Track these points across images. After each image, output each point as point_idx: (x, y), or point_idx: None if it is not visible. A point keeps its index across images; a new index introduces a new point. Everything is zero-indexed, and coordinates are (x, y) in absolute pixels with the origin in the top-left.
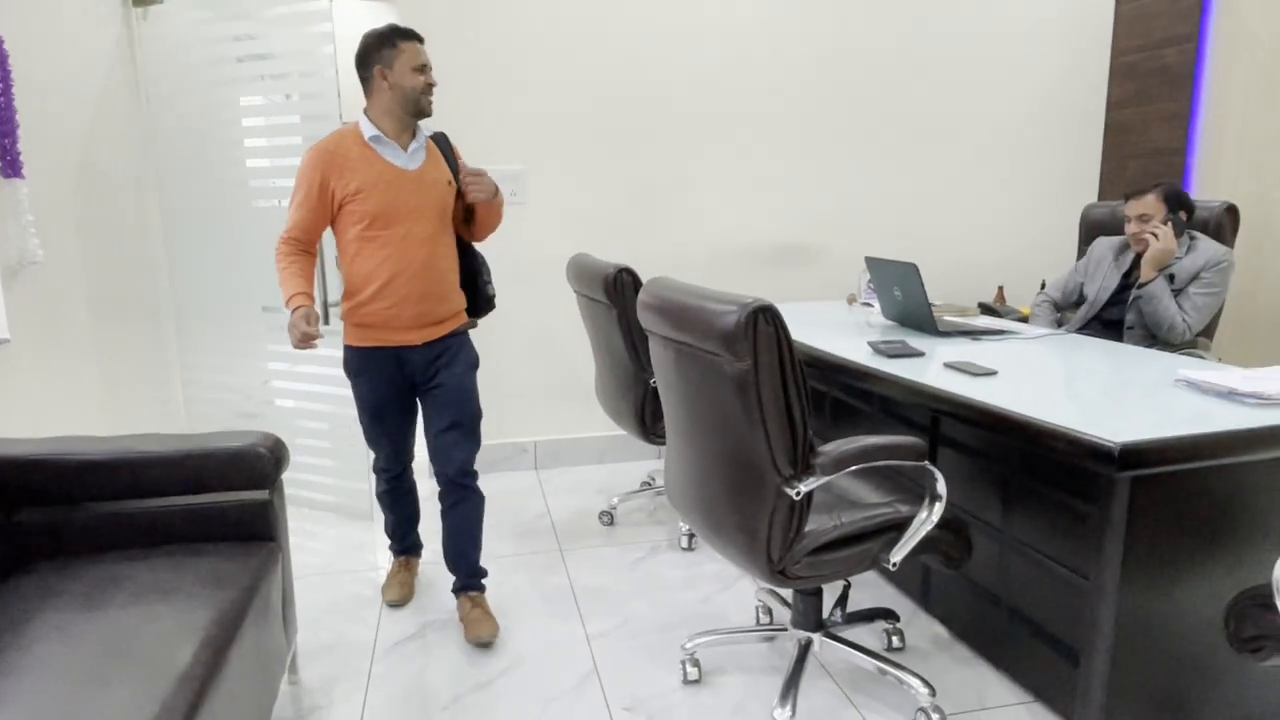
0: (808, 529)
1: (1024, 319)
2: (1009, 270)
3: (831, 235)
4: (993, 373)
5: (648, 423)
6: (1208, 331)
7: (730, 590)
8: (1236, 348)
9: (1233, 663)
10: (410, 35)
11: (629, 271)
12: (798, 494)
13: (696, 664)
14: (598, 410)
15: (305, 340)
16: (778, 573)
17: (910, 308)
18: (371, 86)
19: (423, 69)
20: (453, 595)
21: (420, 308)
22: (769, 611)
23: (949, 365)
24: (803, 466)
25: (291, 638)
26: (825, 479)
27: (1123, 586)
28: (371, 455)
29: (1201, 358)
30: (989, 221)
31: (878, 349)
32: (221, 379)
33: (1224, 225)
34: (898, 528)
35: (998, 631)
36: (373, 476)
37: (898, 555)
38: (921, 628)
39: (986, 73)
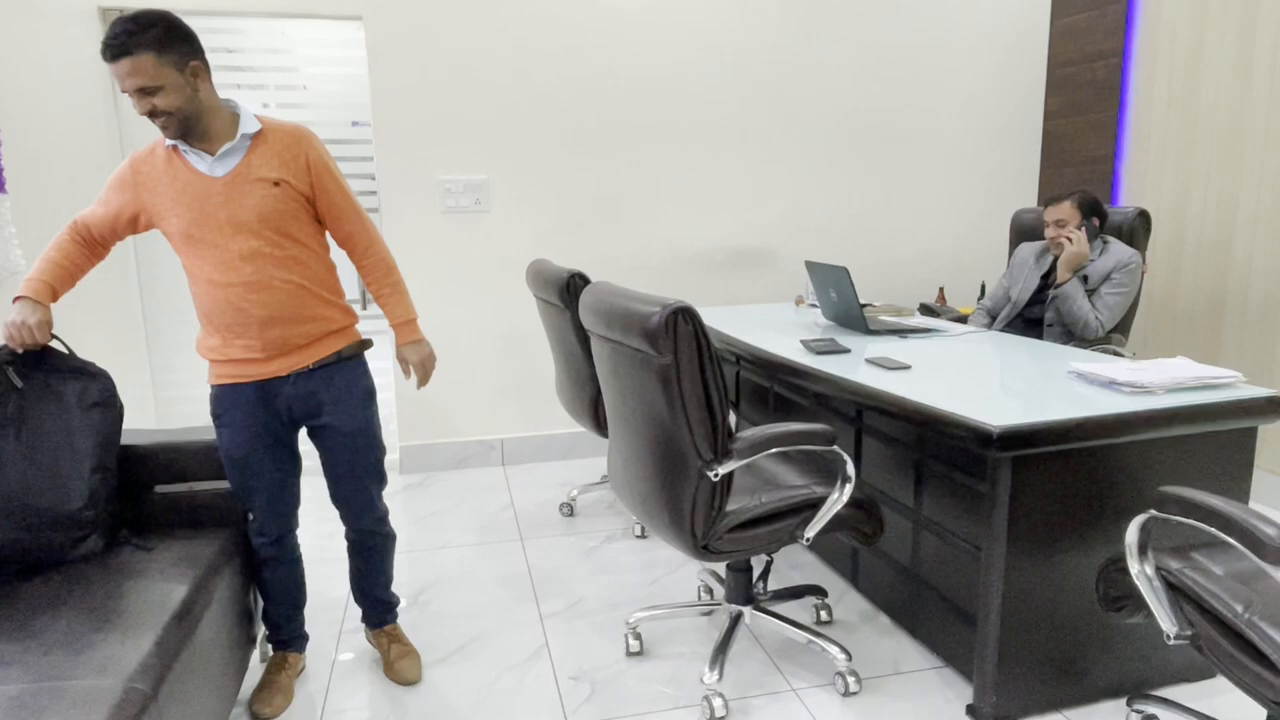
0: (730, 508)
1: (963, 318)
2: (951, 272)
3: (783, 240)
4: (906, 367)
5: (601, 419)
6: (1123, 328)
7: (677, 573)
8: (1157, 343)
9: (1112, 624)
10: (105, 51)
11: (581, 276)
12: (716, 476)
13: (639, 637)
14: (562, 408)
15: (15, 337)
16: (702, 548)
17: (844, 308)
18: None
19: (136, 93)
20: (365, 628)
21: (267, 335)
22: (709, 590)
23: (869, 361)
24: (721, 451)
25: (259, 617)
26: (742, 462)
27: (1009, 556)
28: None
29: (1118, 353)
30: (932, 226)
31: (809, 346)
32: (196, 378)
33: (1137, 229)
34: (813, 507)
35: (912, 603)
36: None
37: (811, 531)
38: (851, 603)
39: (932, 84)
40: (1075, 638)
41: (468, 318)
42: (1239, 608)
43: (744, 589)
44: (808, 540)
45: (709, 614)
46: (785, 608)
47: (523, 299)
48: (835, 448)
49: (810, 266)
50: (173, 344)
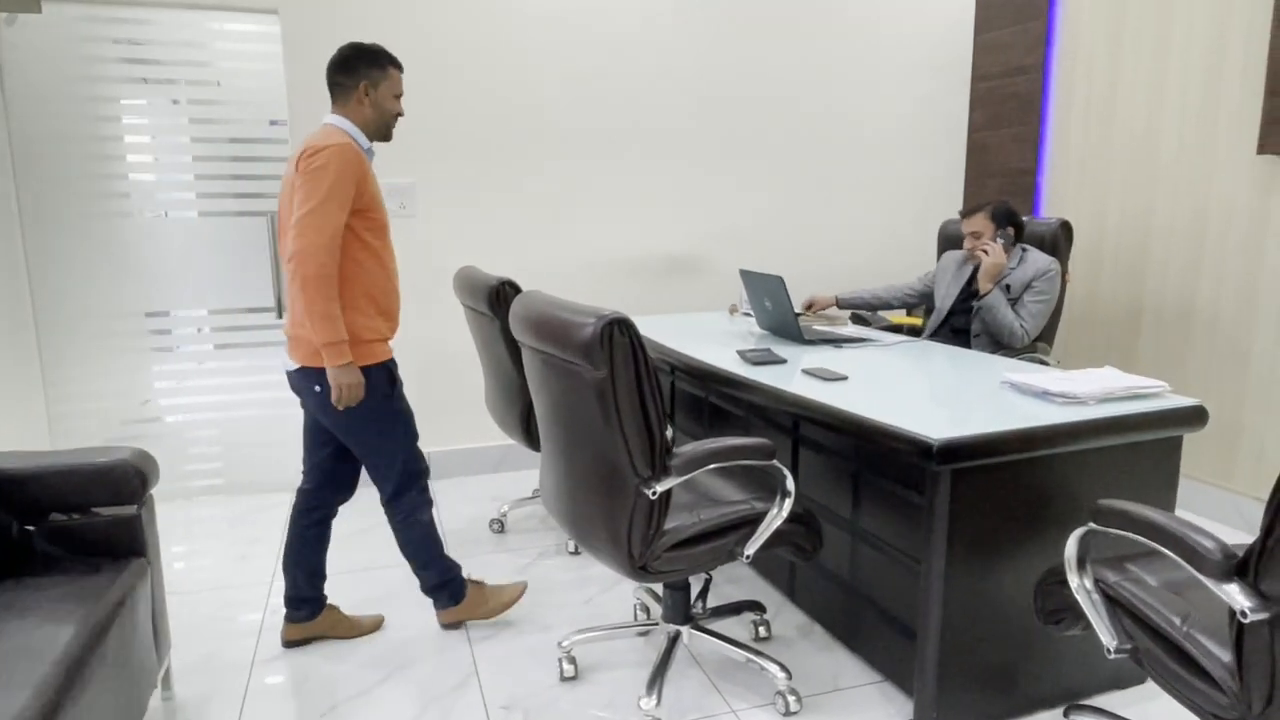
0: (669, 526)
1: (895, 327)
2: (882, 280)
3: (715, 248)
4: (844, 378)
5: (532, 432)
6: (1047, 336)
7: (612, 591)
8: (1078, 350)
9: (1050, 635)
10: (398, 64)
11: (511, 284)
12: (654, 494)
13: (573, 661)
14: (491, 421)
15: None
16: (640, 568)
17: (779, 318)
18: (349, 96)
19: (399, 97)
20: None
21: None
22: (646, 609)
23: (806, 371)
24: (659, 468)
25: (164, 654)
26: (680, 479)
27: (949, 569)
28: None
29: (1043, 361)
30: (863, 234)
31: (745, 357)
32: (96, 390)
33: (1059, 239)
34: (752, 523)
35: (851, 617)
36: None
37: (750, 549)
38: (788, 618)
39: (860, 96)
40: (1013, 649)
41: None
42: (1177, 620)
43: (682, 608)
44: (748, 558)
45: (645, 634)
46: (724, 625)
47: (450, 307)
48: (775, 462)
49: (745, 275)
50: (71, 354)
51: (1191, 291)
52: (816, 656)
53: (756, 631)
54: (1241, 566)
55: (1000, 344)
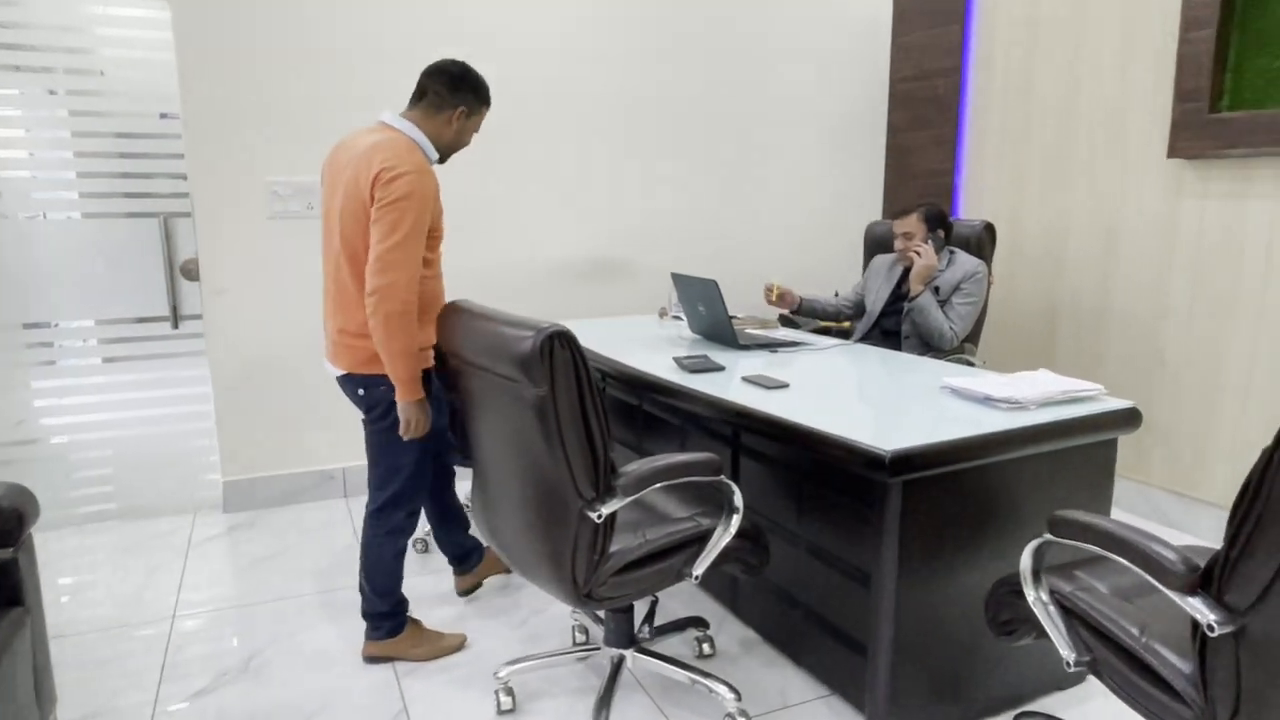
0: (613, 549)
1: (824, 330)
2: (808, 282)
3: (643, 250)
4: (785, 385)
5: (458, 440)
6: (973, 337)
7: (546, 614)
8: (997, 352)
9: (998, 644)
10: (490, 103)
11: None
12: (600, 517)
13: (510, 692)
14: None
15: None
16: (585, 596)
17: (713, 322)
18: (439, 110)
19: (475, 134)
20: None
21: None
22: (584, 631)
23: (746, 379)
24: (604, 488)
25: (48, 712)
26: (627, 500)
27: (900, 582)
28: None
29: (970, 362)
30: (788, 236)
31: (682, 364)
32: None
33: (984, 241)
34: (700, 540)
35: (797, 631)
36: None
37: (699, 568)
38: (731, 632)
39: (784, 97)
40: (960, 657)
41: (298, 334)
42: (1135, 630)
43: (625, 631)
44: (697, 578)
45: (585, 659)
46: (666, 644)
47: None
48: (723, 477)
49: (677, 279)
50: None
51: (1106, 292)
52: (762, 672)
53: (700, 649)
54: (1204, 578)
55: (929, 345)
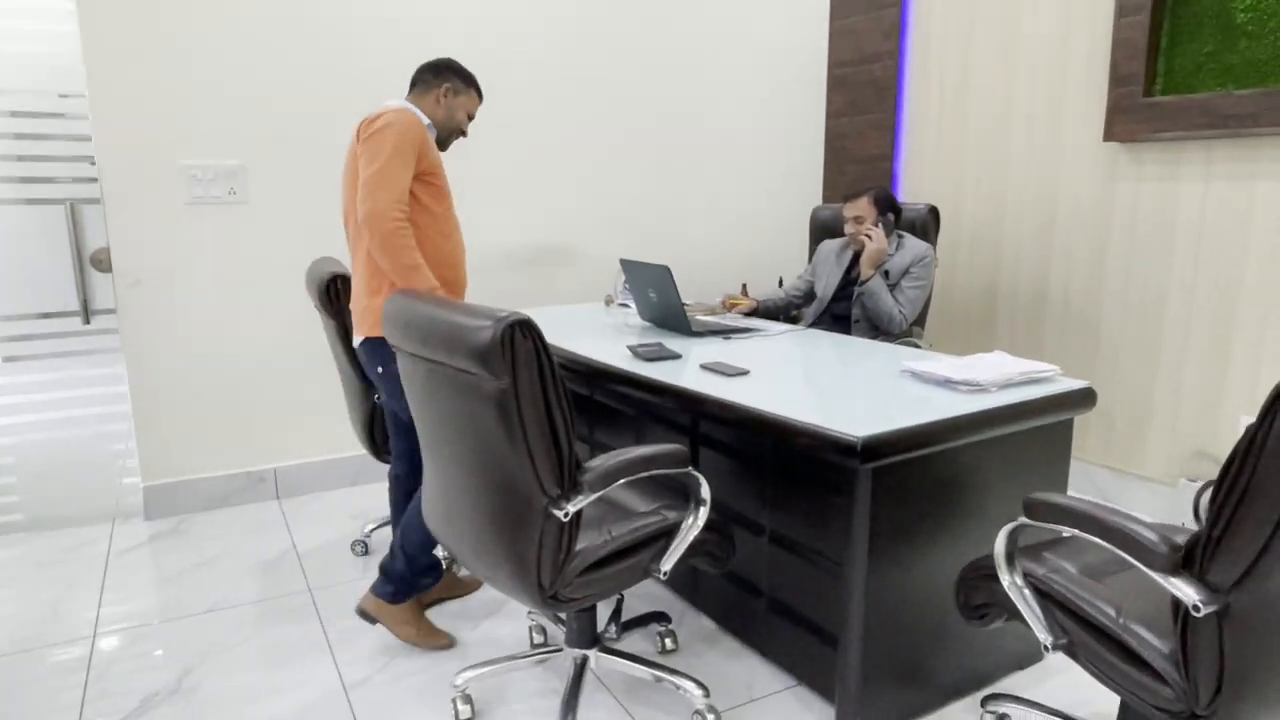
0: (579, 548)
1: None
2: (751, 267)
3: (585, 236)
4: (745, 372)
5: (378, 441)
6: (920, 321)
7: (501, 614)
8: (939, 334)
9: (961, 626)
10: (481, 93)
11: (344, 278)
12: (566, 515)
13: (469, 700)
14: (346, 428)
15: None
16: (550, 598)
17: (665, 309)
18: (428, 91)
19: (471, 118)
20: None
21: None
22: (543, 631)
23: (705, 367)
24: (569, 485)
25: None
26: (594, 496)
27: (870, 569)
28: None
29: (917, 345)
30: (731, 222)
31: (636, 353)
32: None
33: (928, 225)
34: (666, 535)
35: (761, 622)
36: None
37: (668, 564)
38: (693, 625)
39: (723, 82)
40: (928, 642)
41: (223, 326)
42: (1111, 611)
43: (588, 630)
44: (665, 574)
45: (545, 661)
46: (629, 640)
47: (291, 304)
48: (690, 469)
49: (626, 265)
50: None
51: (1044, 273)
52: (727, 665)
53: (662, 644)
54: (1186, 558)
55: (879, 329)
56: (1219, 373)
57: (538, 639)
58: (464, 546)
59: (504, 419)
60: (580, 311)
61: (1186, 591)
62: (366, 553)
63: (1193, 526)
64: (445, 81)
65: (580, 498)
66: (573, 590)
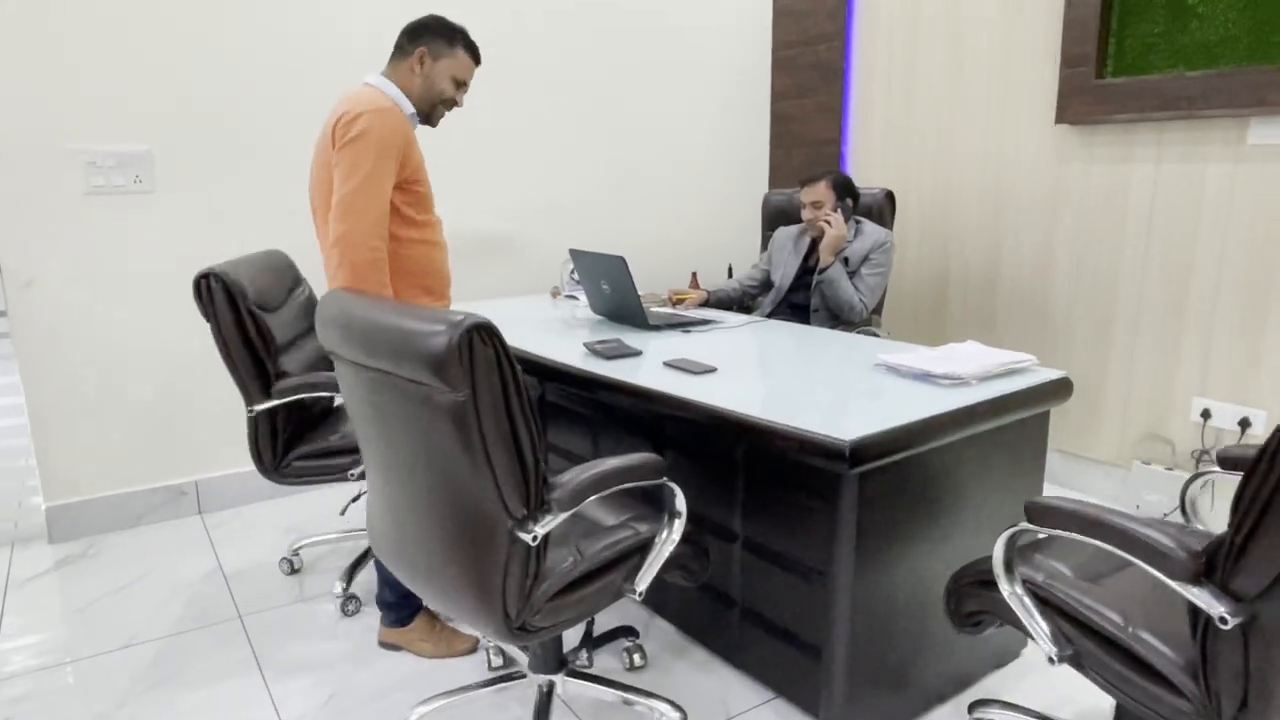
0: (547, 571)
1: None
2: (700, 256)
3: (526, 227)
4: (713, 370)
5: (264, 457)
6: (878, 309)
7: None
8: (892, 319)
9: (943, 628)
10: (474, 51)
11: (217, 277)
12: (535, 539)
13: None
14: None
15: None
16: (518, 629)
17: (620, 302)
18: (403, 60)
19: (461, 85)
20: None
21: None
22: (500, 653)
23: (669, 365)
24: (537, 504)
25: None
26: (564, 515)
27: (856, 577)
28: None
29: (876, 334)
30: (678, 210)
31: (594, 350)
32: None
33: (885, 209)
34: (640, 551)
35: (735, 632)
36: None
37: (643, 583)
38: (659, 636)
39: (668, 66)
40: (911, 647)
41: (132, 327)
42: (1118, 619)
43: (554, 654)
44: (640, 594)
45: (507, 690)
46: (596, 659)
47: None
48: (666, 480)
49: (577, 256)
50: None
51: (995, 256)
52: (699, 679)
53: (630, 660)
54: (1208, 565)
55: (839, 318)
56: (1171, 355)
57: (496, 661)
58: (417, 576)
59: (462, 434)
60: (525, 305)
61: (1211, 603)
62: (294, 571)
63: (1178, 519)
64: (421, 44)
65: (549, 518)
66: (541, 619)
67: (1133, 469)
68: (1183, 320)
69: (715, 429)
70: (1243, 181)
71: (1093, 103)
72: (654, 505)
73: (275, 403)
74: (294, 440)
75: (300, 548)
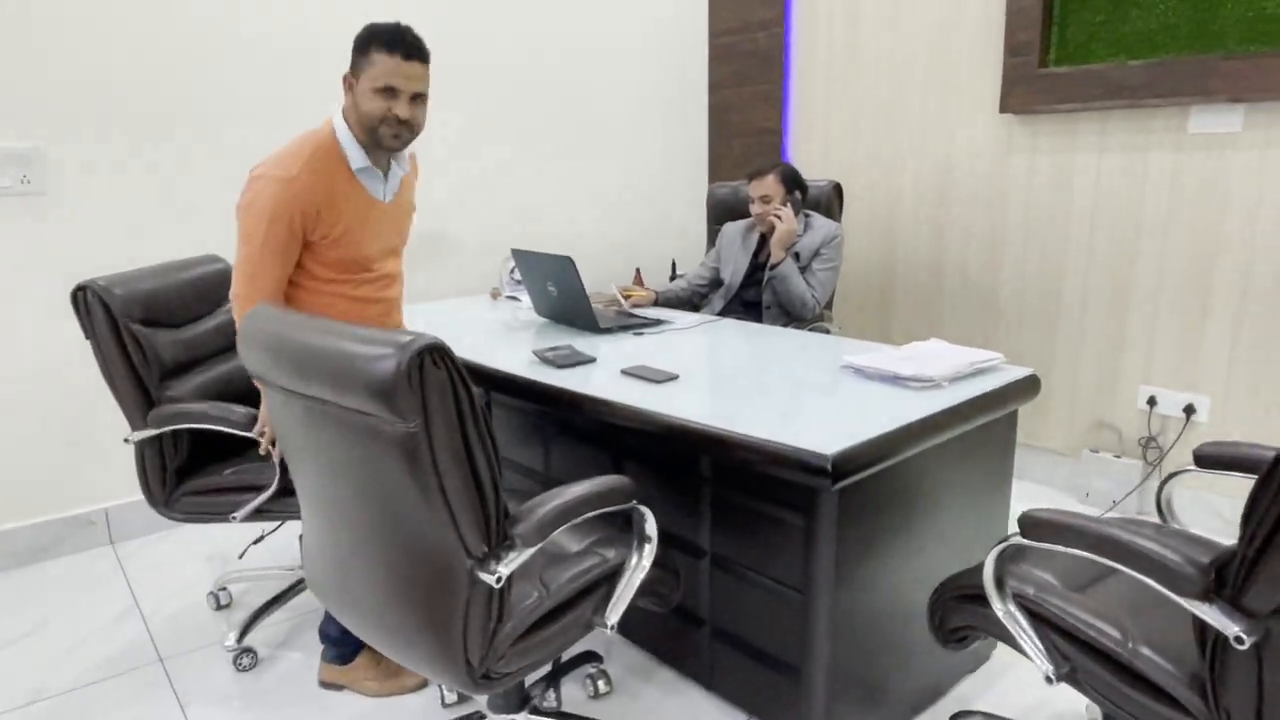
0: (510, 611)
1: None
2: (643, 252)
3: (462, 224)
4: (674, 377)
5: (153, 488)
6: (829, 304)
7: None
8: (837, 316)
9: (918, 638)
10: (391, 44)
11: (95, 290)
12: (499, 580)
13: None
14: None
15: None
16: (481, 678)
17: (568, 304)
18: (346, 91)
19: (389, 92)
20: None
21: None
22: (454, 689)
23: (627, 373)
24: (498, 540)
25: None
26: (530, 551)
27: (835, 594)
28: None
29: (827, 330)
30: (619, 205)
31: (545, 358)
32: None
33: (832, 202)
34: (609, 579)
35: (705, 652)
36: None
37: (614, 615)
38: (622, 658)
39: (603, 56)
40: (889, 660)
41: (24, 345)
42: (1116, 634)
43: (516, 693)
44: (612, 627)
45: None
46: (562, 693)
47: None
48: (635, 503)
49: (519, 256)
50: None
51: (941, 247)
52: (667, 703)
53: (595, 688)
54: (1218, 581)
55: (791, 315)
56: (1116, 343)
57: (450, 698)
58: (365, 622)
59: (413, 469)
60: (464, 307)
61: (1225, 623)
62: (222, 606)
63: (1155, 519)
64: (350, 71)
65: (512, 555)
66: (506, 663)
67: (1082, 457)
68: (1128, 308)
69: (682, 442)
70: (1184, 170)
71: (1036, 92)
72: (619, 526)
73: (149, 433)
74: (190, 470)
75: (229, 580)
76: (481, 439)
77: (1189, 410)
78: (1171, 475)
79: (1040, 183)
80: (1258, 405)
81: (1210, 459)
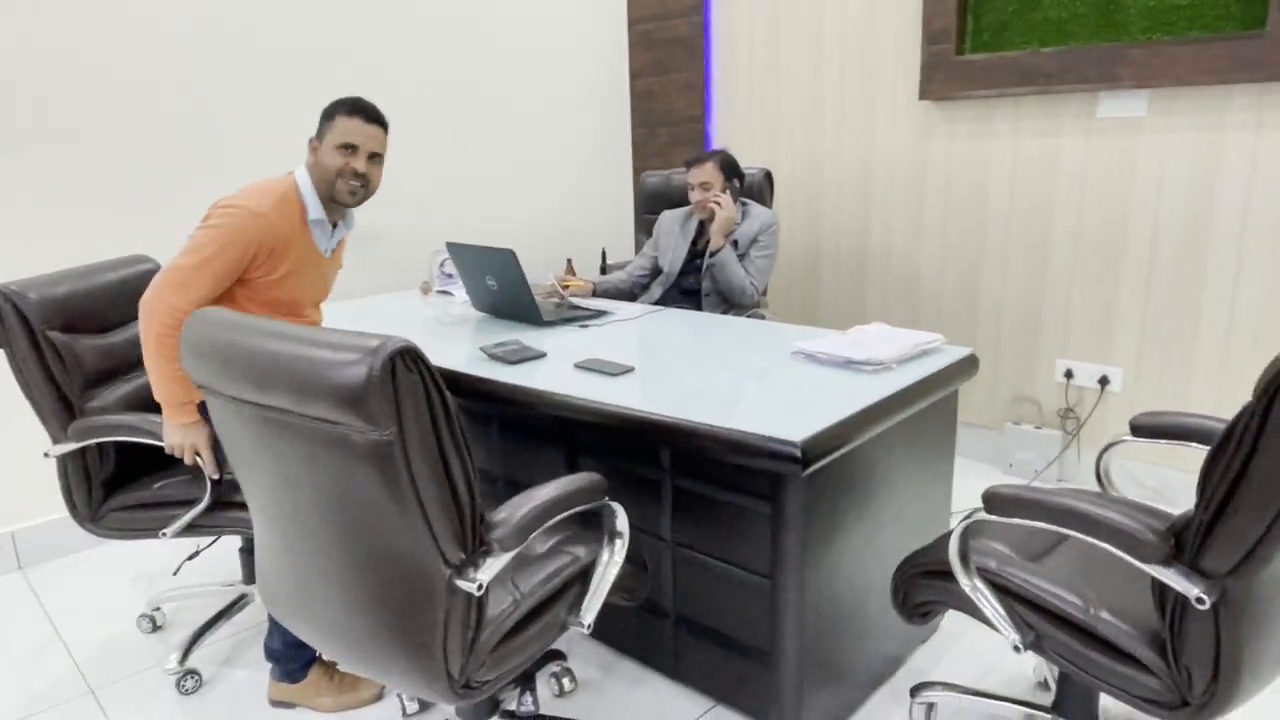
0: (488, 618)
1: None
2: (572, 242)
3: (386, 218)
4: (630, 369)
5: (76, 503)
6: (763, 290)
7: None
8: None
9: (878, 615)
10: (353, 110)
11: (7, 295)
12: (480, 587)
13: None
14: None
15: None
16: (463, 689)
17: (510, 298)
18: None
19: (348, 149)
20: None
21: None
22: (416, 699)
23: (581, 366)
24: (475, 547)
25: None
26: (509, 556)
27: (804, 579)
28: None
29: (763, 316)
30: (545, 195)
31: (493, 355)
32: None
33: (764, 189)
34: (581, 577)
35: (669, 642)
36: None
37: (589, 614)
38: (584, 652)
39: (522, 45)
40: (852, 640)
41: None
42: (1078, 601)
43: (487, 702)
44: (588, 627)
45: None
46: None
47: None
48: (607, 500)
49: (455, 250)
50: None
51: (865, 231)
52: (632, 694)
53: (560, 685)
54: (1176, 545)
55: (730, 302)
56: (1034, 320)
57: (411, 708)
58: (334, 640)
59: (387, 478)
60: (394, 303)
61: (1185, 585)
62: (157, 628)
63: (1090, 488)
64: (313, 135)
65: (491, 561)
66: (486, 672)
67: (1005, 430)
68: (1044, 286)
69: (645, 435)
70: (1093, 153)
71: (954, 79)
72: (585, 523)
73: (71, 447)
74: (117, 484)
75: (163, 600)
76: (457, 444)
77: (1104, 381)
78: (1110, 445)
79: (959, 167)
80: (1166, 375)
81: (1146, 428)
